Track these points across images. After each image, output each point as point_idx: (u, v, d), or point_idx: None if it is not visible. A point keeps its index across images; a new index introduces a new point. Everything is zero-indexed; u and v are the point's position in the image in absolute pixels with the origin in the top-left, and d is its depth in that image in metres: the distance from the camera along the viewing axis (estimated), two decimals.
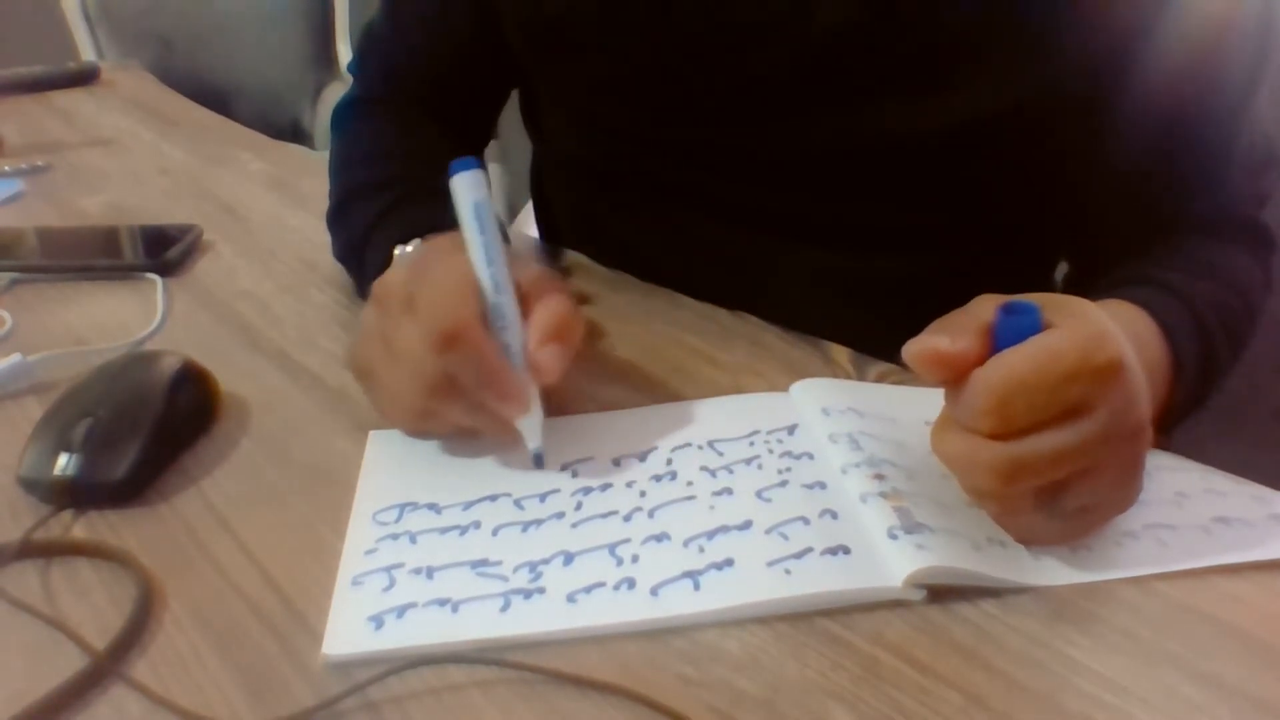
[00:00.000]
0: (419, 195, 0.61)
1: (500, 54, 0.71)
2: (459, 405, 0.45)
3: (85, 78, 1.30)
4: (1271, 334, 0.64)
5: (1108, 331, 0.38)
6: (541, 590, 0.39)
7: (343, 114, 0.76)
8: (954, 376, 0.39)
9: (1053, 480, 0.38)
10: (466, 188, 0.45)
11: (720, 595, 0.39)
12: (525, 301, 0.47)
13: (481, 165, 0.46)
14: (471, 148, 0.77)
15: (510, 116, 0.81)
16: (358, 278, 0.64)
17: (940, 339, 0.39)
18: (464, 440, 0.49)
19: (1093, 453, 0.37)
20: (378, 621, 0.38)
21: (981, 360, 0.38)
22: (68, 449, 0.45)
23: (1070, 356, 0.37)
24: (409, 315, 0.45)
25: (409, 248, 0.54)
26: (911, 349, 0.39)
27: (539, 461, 0.47)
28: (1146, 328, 0.51)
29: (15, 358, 0.56)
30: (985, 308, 0.39)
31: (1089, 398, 0.37)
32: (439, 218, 0.50)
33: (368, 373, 0.49)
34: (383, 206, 0.61)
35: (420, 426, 0.48)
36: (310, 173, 0.91)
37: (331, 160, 0.73)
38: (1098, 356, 0.37)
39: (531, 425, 0.46)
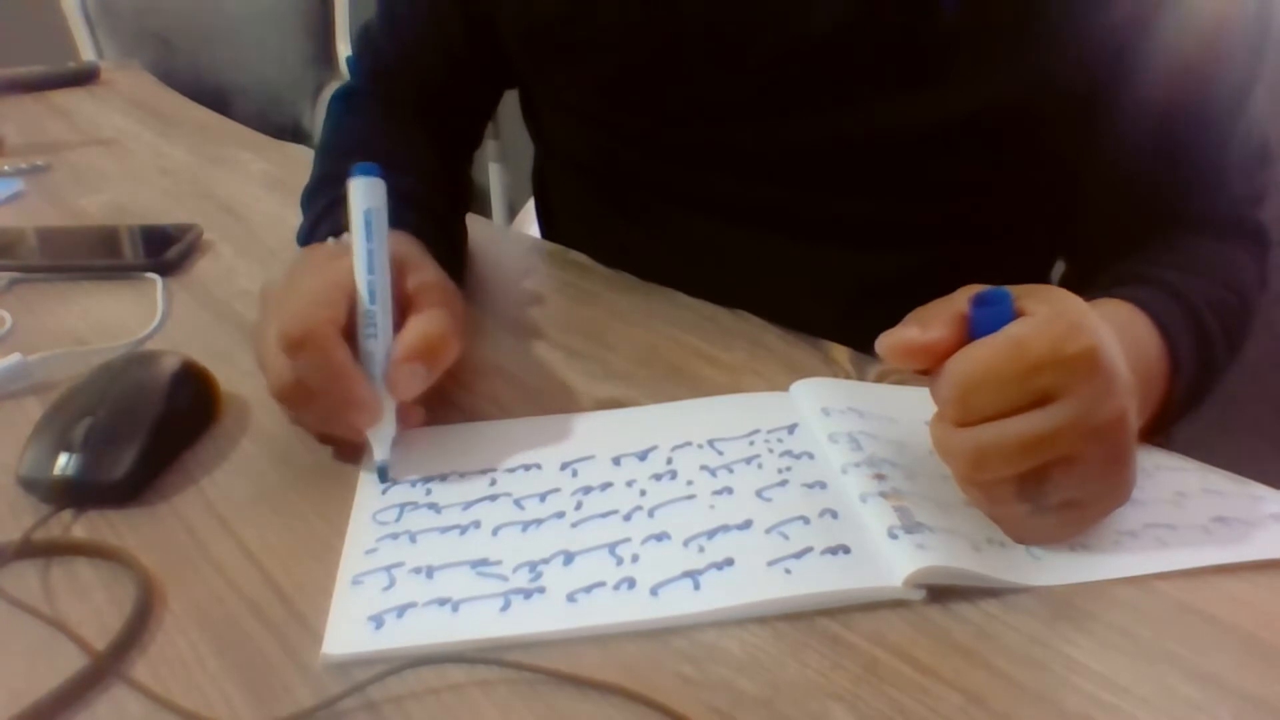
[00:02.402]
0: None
1: (491, 59, 0.72)
2: (312, 409, 0.47)
3: (85, 78, 1.30)
4: (1270, 332, 0.64)
5: (1083, 322, 0.38)
6: (541, 590, 0.39)
7: (335, 103, 0.76)
8: (930, 366, 0.39)
9: (1029, 469, 0.38)
10: (360, 193, 0.46)
11: (720, 595, 0.39)
12: (406, 313, 0.47)
13: (382, 175, 0.46)
14: (462, 150, 0.77)
15: (510, 116, 0.81)
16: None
17: (911, 330, 0.39)
18: (465, 440, 0.49)
19: (1066, 441, 0.37)
20: (378, 621, 0.38)
21: (956, 349, 0.39)
22: (68, 449, 0.45)
23: (1038, 346, 0.37)
24: (273, 316, 0.46)
25: (332, 243, 0.54)
26: (884, 340, 0.40)
27: (383, 475, 0.46)
28: (1143, 326, 0.51)
29: (15, 358, 0.56)
30: (963, 298, 0.40)
31: (1059, 386, 0.37)
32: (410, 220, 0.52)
33: (259, 362, 0.50)
34: (330, 200, 0.61)
35: (298, 423, 0.50)
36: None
37: (317, 146, 0.74)
38: (1068, 346, 0.37)
39: (381, 437, 0.46)
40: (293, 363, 0.44)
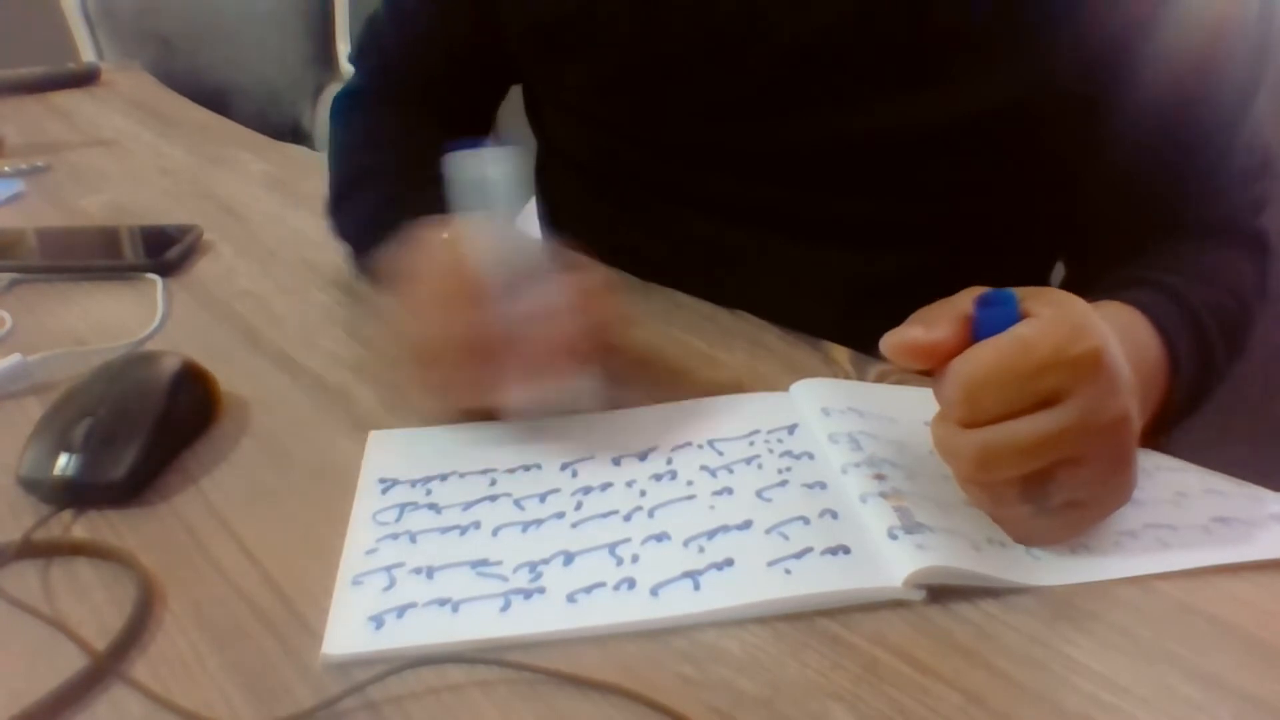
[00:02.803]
0: (424, 182, 0.62)
1: (499, 50, 0.72)
2: (476, 371, 0.46)
3: (85, 78, 1.30)
4: (1269, 337, 0.64)
5: (1087, 323, 0.38)
6: (541, 590, 0.39)
7: (341, 104, 0.77)
8: (933, 366, 0.39)
9: (1033, 470, 0.38)
10: (490, 162, 0.47)
11: (720, 595, 0.39)
12: (542, 275, 0.48)
13: (502, 144, 0.48)
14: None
15: (511, 115, 0.81)
16: (362, 262, 0.65)
17: (915, 329, 0.39)
18: (464, 440, 0.49)
19: (1071, 442, 0.38)
20: (378, 621, 0.38)
21: (960, 350, 0.39)
22: (68, 449, 0.45)
23: (1043, 347, 0.37)
24: (425, 286, 0.46)
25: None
26: (888, 339, 0.40)
27: (521, 416, 0.49)
28: (1143, 328, 0.51)
29: (15, 358, 0.56)
30: (967, 299, 0.40)
31: (1064, 388, 0.37)
32: (445, 206, 0.51)
33: (409, 355, 0.49)
34: (391, 192, 0.62)
35: (458, 398, 0.49)
36: (310, 173, 0.91)
37: (330, 148, 0.74)
38: (1073, 347, 0.37)
39: (526, 393, 0.48)
40: (462, 323, 0.45)
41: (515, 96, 0.80)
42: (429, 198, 0.56)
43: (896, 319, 0.41)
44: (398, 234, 0.55)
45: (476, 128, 0.79)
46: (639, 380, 0.55)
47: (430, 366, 0.47)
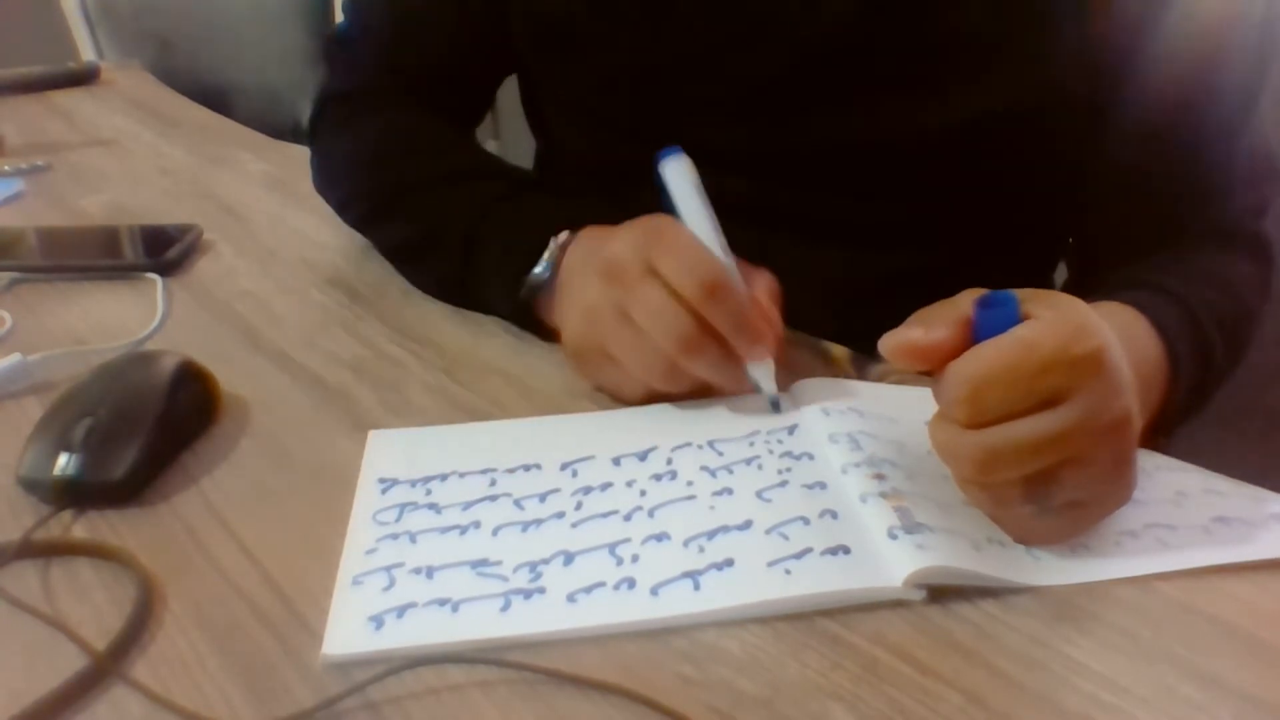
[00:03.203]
0: (527, 186, 0.64)
1: (499, 36, 0.70)
2: (707, 358, 0.47)
3: (85, 78, 1.30)
4: (1270, 338, 0.64)
5: (1088, 324, 0.38)
6: (541, 590, 0.39)
7: (336, 108, 0.74)
8: (933, 367, 0.39)
9: (1035, 471, 0.38)
10: (684, 169, 0.51)
11: (720, 595, 0.39)
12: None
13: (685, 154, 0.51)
14: (463, 131, 0.76)
15: (510, 114, 0.81)
16: (458, 267, 0.62)
17: (915, 331, 0.40)
18: (464, 440, 0.49)
19: (1074, 443, 0.38)
20: (378, 621, 0.38)
21: (959, 351, 0.39)
22: (68, 449, 0.45)
23: (1045, 348, 0.37)
24: (651, 281, 0.47)
25: (560, 237, 0.56)
26: (887, 340, 0.40)
27: (777, 406, 0.50)
28: (1143, 329, 0.51)
29: (15, 358, 0.56)
30: (967, 300, 0.40)
31: (1066, 388, 0.37)
32: (570, 209, 0.56)
33: (597, 349, 0.50)
34: (496, 193, 0.62)
35: (664, 387, 0.50)
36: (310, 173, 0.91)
37: (350, 155, 0.72)
38: (1076, 348, 0.37)
39: (766, 373, 0.50)
40: (708, 308, 0.46)
41: (514, 96, 0.80)
42: (546, 206, 0.59)
43: (897, 319, 0.41)
44: (533, 239, 0.56)
45: (472, 118, 0.78)
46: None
47: (687, 349, 0.47)
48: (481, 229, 0.60)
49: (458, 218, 0.61)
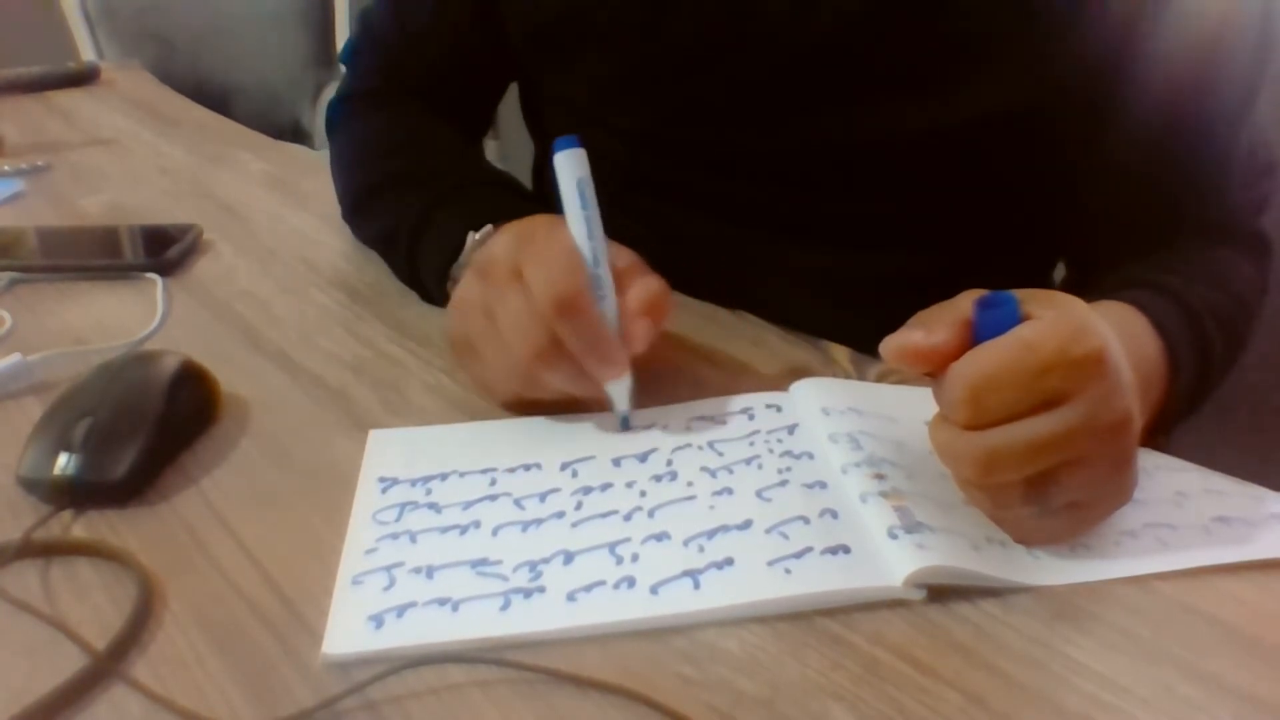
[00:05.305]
0: (472, 183, 0.64)
1: (500, 45, 0.71)
2: (561, 371, 0.47)
3: (85, 78, 1.30)
4: (1270, 336, 0.64)
5: (1088, 324, 0.38)
6: (541, 590, 0.39)
7: (341, 108, 0.76)
8: (934, 369, 0.39)
9: (1036, 472, 0.38)
10: (571, 164, 0.49)
11: (720, 595, 0.39)
12: (617, 278, 0.49)
13: (581, 144, 0.49)
14: (470, 138, 0.77)
15: (510, 116, 0.81)
16: (405, 262, 0.64)
17: (915, 333, 0.39)
18: (464, 439, 0.49)
19: (1075, 444, 0.38)
20: (378, 621, 0.38)
21: (960, 353, 0.38)
22: (68, 449, 0.45)
23: (1046, 348, 0.37)
24: (516, 285, 0.46)
25: (478, 235, 0.56)
26: (888, 344, 0.40)
27: (625, 424, 0.50)
28: (1142, 328, 0.51)
29: (15, 358, 0.56)
30: (966, 302, 0.40)
31: (1067, 389, 0.37)
32: (503, 205, 0.54)
33: (468, 345, 0.50)
34: (440, 192, 0.62)
35: (522, 394, 0.50)
36: (310, 173, 0.91)
37: (343, 153, 0.73)
38: (1076, 348, 0.37)
39: (621, 391, 0.49)
40: (559, 325, 0.45)
41: (513, 98, 0.80)
42: (479, 203, 0.58)
43: (897, 319, 0.41)
44: (455, 237, 0.56)
45: (477, 122, 0.79)
46: (639, 380, 0.55)
47: (541, 360, 0.47)
48: (423, 226, 0.61)
49: (407, 217, 0.63)
